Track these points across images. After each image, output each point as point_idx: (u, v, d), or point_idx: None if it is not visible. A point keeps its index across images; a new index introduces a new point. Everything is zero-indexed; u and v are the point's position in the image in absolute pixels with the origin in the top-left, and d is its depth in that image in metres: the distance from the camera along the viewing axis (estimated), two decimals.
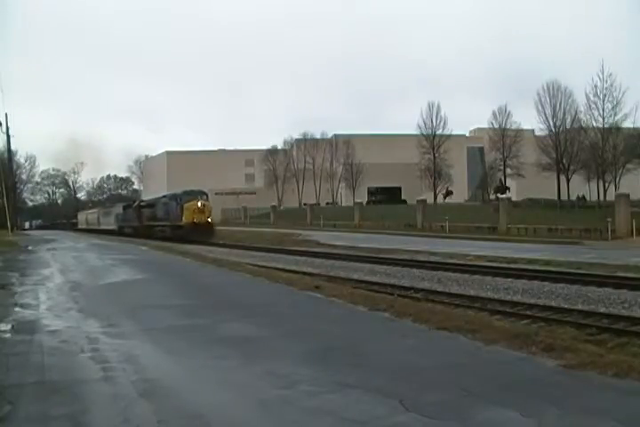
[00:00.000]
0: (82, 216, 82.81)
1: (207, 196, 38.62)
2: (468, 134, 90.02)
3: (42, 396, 4.60)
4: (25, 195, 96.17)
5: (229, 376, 5.15)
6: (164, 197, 42.12)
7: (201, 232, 34.75)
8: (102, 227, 62.98)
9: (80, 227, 79.44)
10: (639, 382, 4.66)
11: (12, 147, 52.37)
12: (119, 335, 6.92)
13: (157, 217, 41.37)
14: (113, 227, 55.88)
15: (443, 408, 4.12)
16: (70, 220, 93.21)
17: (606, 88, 49.47)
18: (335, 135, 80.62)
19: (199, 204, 36.27)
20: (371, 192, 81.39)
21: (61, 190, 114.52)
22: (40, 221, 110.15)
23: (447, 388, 4.59)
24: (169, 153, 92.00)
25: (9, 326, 7.69)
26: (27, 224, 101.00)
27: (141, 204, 48.17)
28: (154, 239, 36.97)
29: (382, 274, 15.63)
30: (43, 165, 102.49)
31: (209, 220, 36.77)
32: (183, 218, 35.97)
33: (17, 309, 9.19)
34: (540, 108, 54.44)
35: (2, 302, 9.83)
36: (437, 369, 5.18)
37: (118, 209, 56.28)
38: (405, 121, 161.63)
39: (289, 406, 4.27)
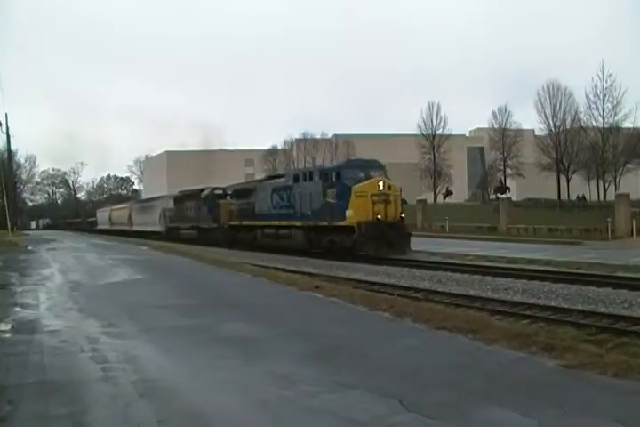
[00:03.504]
0: (103, 214, 66.73)
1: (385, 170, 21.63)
2: (467, 134, 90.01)
3: (42, 396, 4.60)
4: (25, 195, 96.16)
5: (229, 376, 5.14)
6: (278, 177, 26.12)
7: (390, 239, 18.95)
8: (136, 228, 47.92)
9: (100, 227, 64.93)
10: (639, 382, 4.66)
11: (12, 147, 52.18)
12: (119, 335, 6.92)
13: (263, 213, 24.91)
14: (156, 228, 41.33)
15: (443, 408, 4.12)
16: (87, 218, 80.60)
17: (606, 88, 49.56)
18: (335, 135, 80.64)
19: (380, 184, 19.48)
20: None
21: (61, 190, 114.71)
22: (48, 220, 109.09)
23: (447, 388, 4.59)
24: (169, 153, 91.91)
25: (9, 326, 7.70)
26: (33, 224, 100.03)
27: (216, 192, 32.15)
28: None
29: (382, 274, 15.62)
30: (43, 165, 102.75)
31: (402, 215, 20.23)
32: (351, 213, 19.07)
33: (17, 309, 9.20)
34: (540, 108, 54.54)
35: (2, 302, 9.83)
36: (437, 369, 5.18)
37: (166, 202, 40.46)
38: (405, 121, 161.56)
39: (289, 406, 4.27)
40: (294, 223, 22.27)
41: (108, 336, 6.86)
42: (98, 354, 5.95)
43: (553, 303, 10.59)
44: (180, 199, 37.18)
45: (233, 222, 28.00)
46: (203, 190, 33.86)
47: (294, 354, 5.81)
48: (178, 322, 7.80)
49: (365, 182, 19.61)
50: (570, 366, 5.11)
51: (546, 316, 9.44)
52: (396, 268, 16.64)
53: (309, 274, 15.42)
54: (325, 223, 20.22)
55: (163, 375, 5.19)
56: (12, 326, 7.69)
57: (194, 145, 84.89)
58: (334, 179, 20.23)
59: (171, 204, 38.88)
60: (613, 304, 10.25)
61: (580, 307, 10.10)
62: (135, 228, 48.50)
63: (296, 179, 22.85)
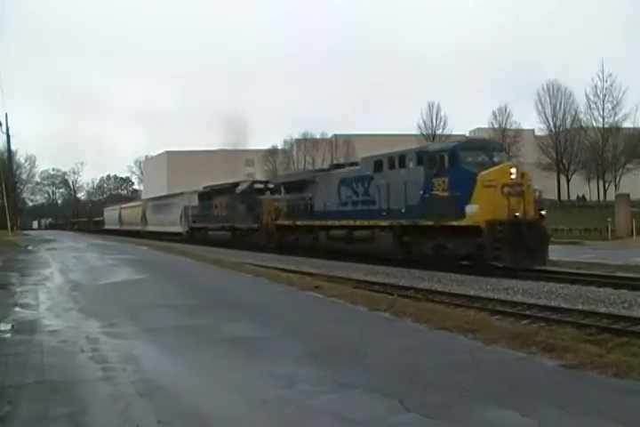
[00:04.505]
0: (111, 213, 61.81)
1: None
2: (467, 134, 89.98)
3: (42, 396, 4.60)
4: (25, 195, 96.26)
5: (230, 376, 5.15)
6: (342, 165, 22.08)
7: (531, 244, 14.15)
8: (151, 228, 43.55)
9: (109, 228, 60.10)
10: (639, 382, 4.66)
11: (12, 147, 52.08)
12: (119, 335, 6.92)
13: (328, 210, 20.39)
14: (176, 229, 37.27)
15: (443, 408, 4.12)
16: (93, 218, 75.75)
17: (606, 88, 49.54)
18: (335, 135, 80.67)
19: (513, 171, 14.82)
20: None
21: (61, 190, 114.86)
22: (50, 220, 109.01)
23: (447, 388, 4.59)
24: (169, 153, 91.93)
25: (9, 326, 7.70)
26: (35, 224, 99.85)
27: (256, 186, 27.89)
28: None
29: (382, 274, 15.62)
30: (43, 165, 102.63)
31: (542, 212, 15.66)
32: (477, 209, 14.39)
33: (17, 309, 9.20)
34: (540, 108, 54.54)
35: (2, 302, 9.84)
36: (437, 369, 5.18)
37: (188, 199, 36.14)
38: (405, 121, 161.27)
39: (289, 406, 4.27)
40: (378, 223, 17.67)
41: (108, 336, 6.86)
42: (98, 354, 5.95)
43: (553, 303, 10.58)
44: (207, 195, 32.49)
45: (282, 222, 23.35)
46: (237, 184, 29.36)
47: (295, 354, 5.81)
48: (178, 322, 7.80)
49: (494, 168, 14.73)
50: (570, 366, 5.11)
51: (546, 316, 9.44)
52: (395, 268, 16.65)
53: (309, 274, 15.42)
54: (430, 223, 15.46)
55: (163, 375, 5.19)
56: (12, 326, 7.69)
57: (194, 145, 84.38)
58: (447, 164, 15.26)
59: (194, 201, 34.48)
60: (613, 304, 10.24)
61: (579, 307, 10.09)
62: (150, 228, 43.86)
63: (378, 166, 17.97)
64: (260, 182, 28.91)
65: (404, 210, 16.56)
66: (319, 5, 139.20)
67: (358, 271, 16.35)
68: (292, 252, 22.54)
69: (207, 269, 16.34)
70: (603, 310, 9.84)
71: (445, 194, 15.14)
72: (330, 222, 20.15)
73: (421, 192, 15.89)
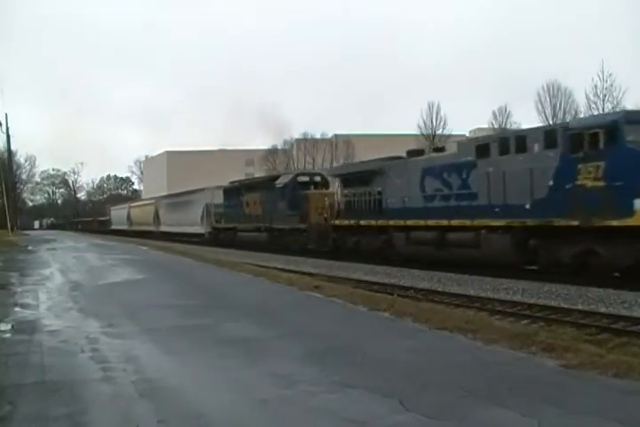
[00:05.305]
0: (119, 212, 58.20)
1: None
2: (468, 134, 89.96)
3: (42, 396, 4.59)
4: (25, 195, 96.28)
5: (230, 376, 5.14)
6: (420, 151, 18.46)
7: None
8: (166, 229, 39.86)
9: (116, 228, 56.76)
10: (639, 382, 4.66)
11: (12, 147, 52.10)
12: (119, 335, 6.93)
13: (407, 206, 16.94)
14: (196, 229, 33.43)
15: (442, 408, 4.12)
16: (97, 217, 72.29)
17: (606, 88, 49.38)
18: (335, 135, 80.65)
19: None
20: None
21: (61, 190, 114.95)
22: (52, 219, 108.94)
23: (447, 388, 4.59)
24: (169, 153, 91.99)
25: (9, 326, 7.70)
26: (36, 223, 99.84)
27: (300, 179, 24.23)
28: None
29: (382, 274, 15.62)
30: (43, 165, 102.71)
31: None
32: None
33: (17, 309, 9.21)
34: (540, 108, 54.44)
35: (2, 302, 9.84)
36: (437, 369, 5.18)
37: (211, 196, 32.16)
38: (405, 121, 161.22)
39: (289, 406, 4.27)
40: (488, 223, 14.05)
41: (108, 336, 6.86)
42: (98, 354, 5.95)
43: (553, 303, 10.58)
44: (236, 191, 28.73)
45: (342, 222, 19.77)
46: (276, 178, 25.67)
47: (294, 354, 5.81)
48: (178, 322, 7.80)
49: None
50: (570, 366, 5.10)
51: (546, 316, 9.43)
52: (395, 268, 16.65)
53: (309, 274, 15.42)
54: (575, 223, 11.97)
55: (163, 375, 5.18)
56: (12, 326, 7.69)
57: (194, 145, 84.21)
58: (602, 144, 11.59)
59: (219, 198, 30.63)
60: (613, 304, 10.23)
61: (579, 307, 10.09)
62: (164, 228, 40.30)
63: (483, 151, 14.36)
64: (305, 175, 24.76)
65: (528, 206, 13.01)
66: (319, 4, 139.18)
67: (358, 271, 16.35)
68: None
69: (207, 269, 16.34)
70: (603, 310, 9.83)
71: (599, 184, 11.53)
72: (410, 222, 16.54)
73: (552, 182, 12.44)
